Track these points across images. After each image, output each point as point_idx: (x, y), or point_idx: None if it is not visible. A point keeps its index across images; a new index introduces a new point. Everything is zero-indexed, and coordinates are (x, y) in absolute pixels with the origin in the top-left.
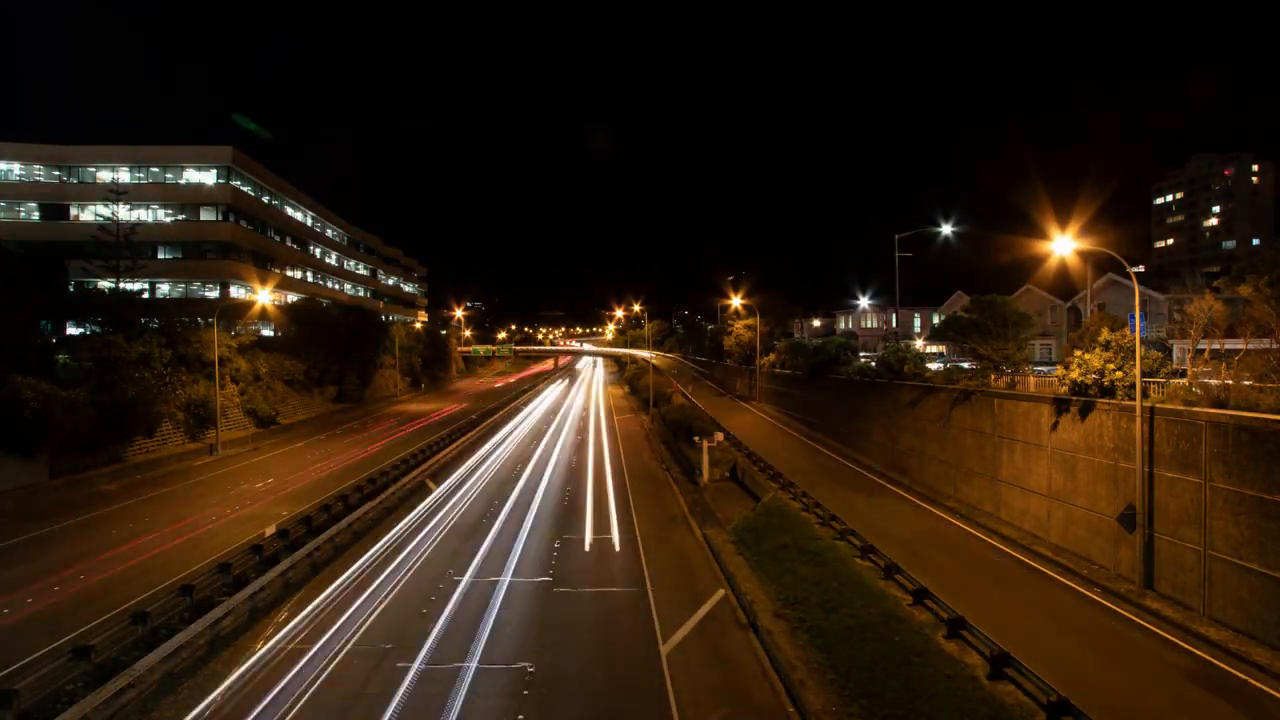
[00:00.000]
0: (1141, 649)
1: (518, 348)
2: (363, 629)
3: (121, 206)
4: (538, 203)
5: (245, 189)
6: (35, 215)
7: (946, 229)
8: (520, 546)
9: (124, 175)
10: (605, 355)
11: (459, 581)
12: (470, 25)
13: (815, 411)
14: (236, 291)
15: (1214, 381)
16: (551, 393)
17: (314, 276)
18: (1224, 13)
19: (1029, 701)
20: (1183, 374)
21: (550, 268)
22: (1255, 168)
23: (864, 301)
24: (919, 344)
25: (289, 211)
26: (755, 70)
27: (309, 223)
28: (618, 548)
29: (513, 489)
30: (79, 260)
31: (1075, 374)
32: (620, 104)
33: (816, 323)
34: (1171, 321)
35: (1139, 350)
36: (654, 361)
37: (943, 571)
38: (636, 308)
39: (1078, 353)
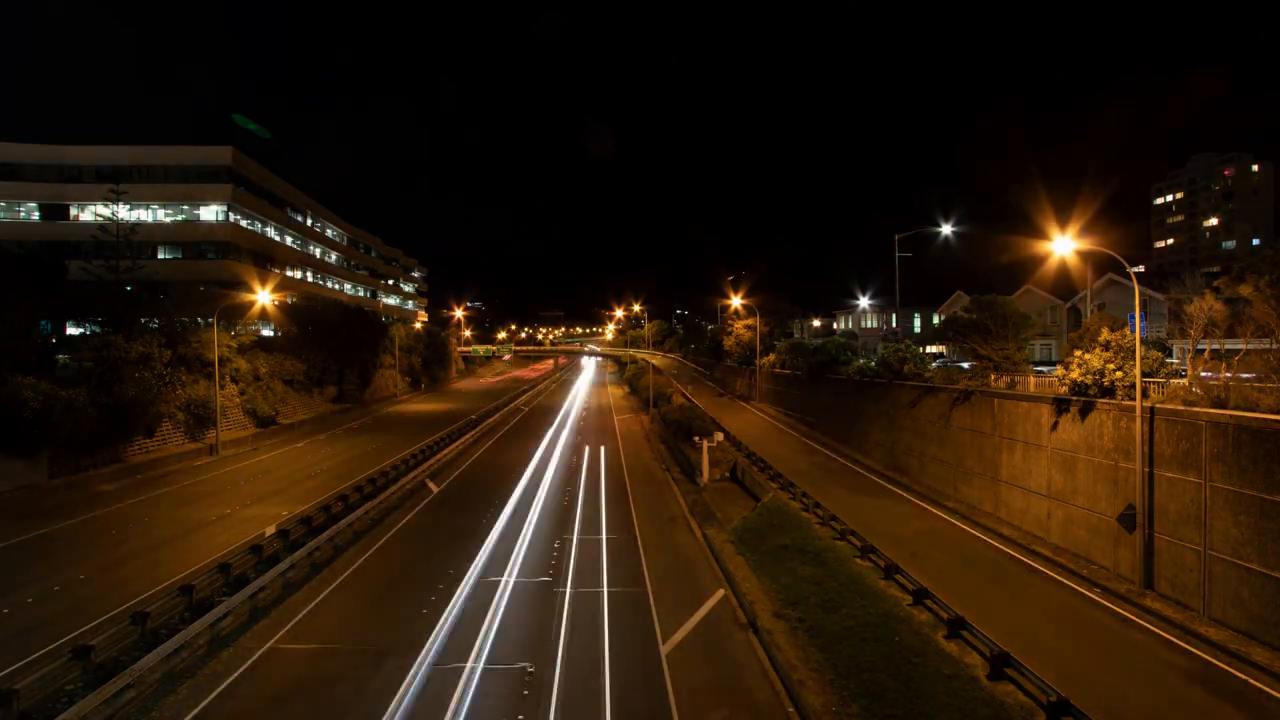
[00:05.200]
0: (1141, 649)
1: (517, 348)
2: (361, 631)
3: (121, 206)
4: (538, 203)
5: (245, 190)
6: (35, 215)
7: (946, 229)
8: (520, 547)
9: (123, 175)
10: (605, 355)
11: (460, 581)
12: (470, 24)
13: (815, 411)
14: (236, 292)
15: (1214, 380)
16: (551, 392)
17: (314, 276)
18: (1224, 11)
19: (1029, 701)
20: (1183, 374)
21: (550, 268)
22: (1255, 168)
23: (864, 302)
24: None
25: (288, 212)
26: (755, 70)
27: (309, 223)
28: (617, 548)
29: (512, 489)
30: (79, 260)
31: (1075, 374)
32: (621, 104)
33: (816, 323)
34: (1171, 321)
35: (1139, 350)
36: (654, 362)
37: (943, 571)
38: (636, 308)
39: (1078, 353)
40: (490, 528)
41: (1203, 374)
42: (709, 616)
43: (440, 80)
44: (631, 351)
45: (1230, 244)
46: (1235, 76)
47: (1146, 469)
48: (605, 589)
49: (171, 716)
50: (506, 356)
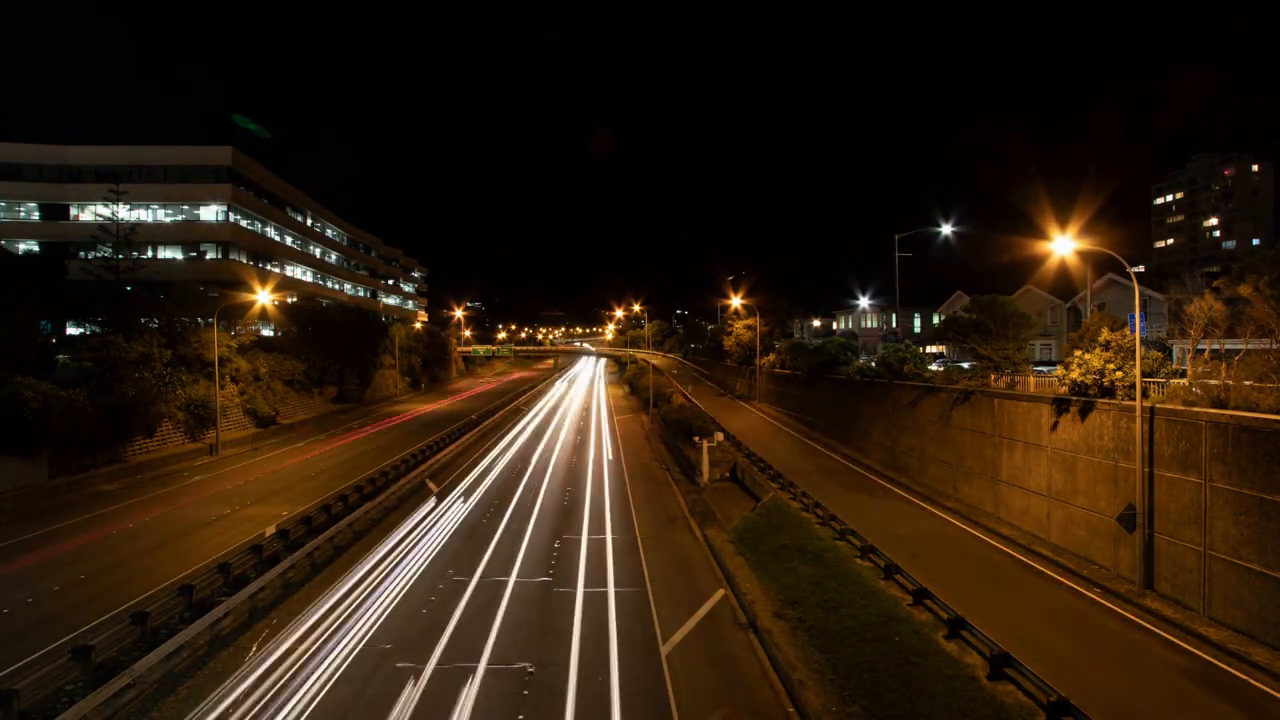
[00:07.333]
0: (1141, 649)
1: (517, 348)
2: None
3: (121, 206)
4: (538, 203)
5: (245, 190)
6: (35, 215)
7: (946, 229)
8: (520, 548)
9: (123, 175)
10: (605, 355)
11: (459, 581)
12: (470, 24)
13: (815, 412)
14: (236, 292)
15: (1214, 381)
16: (551, 393)
17: (314, 276)
18: (1224, 11)
19: (1029, 701)
20: (1183, 374)
21: (550, 268)
22: (1255, 168)
23: (864, 302)
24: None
25: (288, 211)
26: (755, 71)
27: (309, 223)
28: (618, 548)
29: (513, 489)
30: (79, 260)
31: (1075, 374)
32: (621, 104)
33: (816, 323)
34: (1171, 321)
35: (1139, 350)
36: (654, 362)
37: (943, 571)
38: (636, 308)
39: (1078, 353)
40: (490, 528)
41: (1202, 379)
42: (709, 616)
43: (440, 80)
44: (631, 351)
45: (1230, 244)
46: (1235, 76)
47: (1146, 469)
48: (605, 589)
49: (171, 716)
50: (507, 356)
